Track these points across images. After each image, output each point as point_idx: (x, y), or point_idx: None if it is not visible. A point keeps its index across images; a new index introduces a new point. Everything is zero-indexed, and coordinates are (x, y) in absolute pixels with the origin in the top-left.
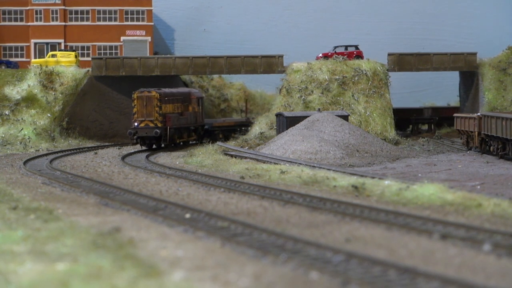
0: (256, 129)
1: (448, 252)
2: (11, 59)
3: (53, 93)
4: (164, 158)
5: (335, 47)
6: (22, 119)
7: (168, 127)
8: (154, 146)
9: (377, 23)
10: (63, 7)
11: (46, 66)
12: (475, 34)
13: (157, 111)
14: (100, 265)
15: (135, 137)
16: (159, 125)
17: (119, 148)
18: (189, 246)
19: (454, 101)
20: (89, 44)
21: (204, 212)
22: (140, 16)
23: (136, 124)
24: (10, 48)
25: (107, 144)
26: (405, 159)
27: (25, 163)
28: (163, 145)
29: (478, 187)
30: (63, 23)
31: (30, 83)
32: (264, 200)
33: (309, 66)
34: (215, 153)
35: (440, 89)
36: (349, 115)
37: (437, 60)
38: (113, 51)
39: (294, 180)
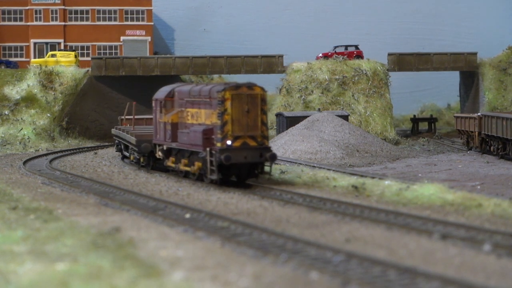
0: None
1: (448, 252)
2: (10, 59)
3: (53, 93)
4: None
5: (335, 47)
6: (21, 119)
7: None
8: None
9: (377, 23)
10: (62, 7)
11: (46, 66)
12: (475, 34)
13: (262, 121)
14: (100, 265)
15: (220, 162)
16: (265, 143)
17: None
18: (189, 246)
19: (454, 101)
20: (89, 44)
21: (204, 212)
22: (140, 16)
23: (228, 142)
24: (10, 48)
25: (107, 144)
26: (405, 159)
27: (24, 163)
28: (262, 175)
29: (478, 187)
30: (63, 23)
31: (29, 83)
32: (264, 200)
33: (309, 66)
34: None
35: (440, 89)
36: (349, 115)
37: (437, 60)
38: (113, 51)
39: (294, 180)
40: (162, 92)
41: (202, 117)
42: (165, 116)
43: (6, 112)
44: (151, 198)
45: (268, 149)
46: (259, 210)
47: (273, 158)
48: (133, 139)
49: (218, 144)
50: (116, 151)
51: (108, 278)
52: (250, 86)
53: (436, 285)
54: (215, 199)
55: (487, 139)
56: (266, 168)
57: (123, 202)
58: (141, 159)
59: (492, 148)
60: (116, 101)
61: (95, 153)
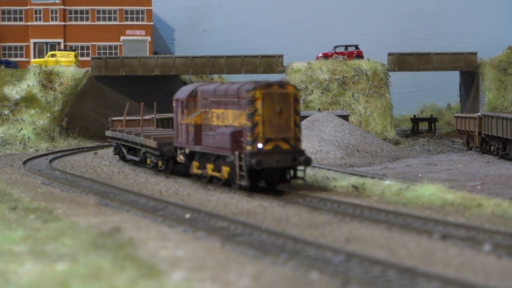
0: None
1: (448, 252)
2: (10, 59)
3: (53, 93)
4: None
5: (335, 47)
6: (21, 119)
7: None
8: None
9: (377, 23)
10: (62, 7)
11: (46, 66)
12: (476, 34)
13: (295, 122)
14: (100, 265)
15: (250, 167)
16: (298, 146)
17: None
18: (189, 246)
19: (455, 101)
20: (89, 44)
21: (204, 212)
22: (140, 16)
23: (259, 145)
24: (10, 48)
25: (106, 144)
26: (405, 159)
27: (24, 163)
28: (294, 180)
29: (479, 187)
30: (63, 23)
31: (29, 83)
32: (264, 200)
33: (309, 66)
34: None
35: (440, 89)
36: (349, 115)
37: (437, 60)
38: (113, 51)
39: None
40: (183, 92)
41: (229, 118)
42: (188, 117)
43: (6, 112)
44: (151, 198)
45: (302, 152)
46: (259, 210)
47: (308, 162)
48: (152, 142)
49: (248, 148)
50: (114, 154)
51: (108, 278)
52: (282, 84)
53: (436, 285)
54: (215, 199)
55: (487, 139)
56: (299, 173)
57: (123, 202)
58: (160, 163)
59: (492, 148)
60: (116, 101)
61: (95, 153)
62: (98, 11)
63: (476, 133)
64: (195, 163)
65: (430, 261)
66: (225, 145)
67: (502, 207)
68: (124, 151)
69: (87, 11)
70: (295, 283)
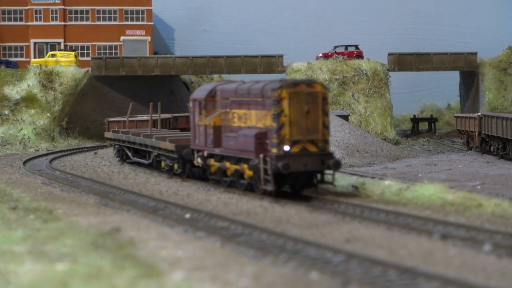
0: None
1: (448, 252)
2: (10, 59)
3: (53, 93)
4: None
5: (335, 47)
6: (21, 119)
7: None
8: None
9: (377, 23)
10: (62, 7)
11: (46, 66)
12: (475, 34)
13: (324, 123)
14: (100, 265)
15: (276, 170)
16: (327, 149)
17: None
18: (189, 246)
19: (455, 101)
20: (89, 44)
21: (204, 212)
22: (140, 16)
23: (286, 148)
24: (10, 48)
25: (106, 144)
26: (405, 159)
27: (24, 163)
28: (322, 185)
29: (479, 187)
30: (63, 23)
31: (29, 83)
32: (264, 200)
33: (309, 66)
34: None
35: (440, 89)
36: (349, 115)
37: (437, 60)
38: (113, 51)
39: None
40: (201, 91)
41: (252, 119)
42: (206, 118)
43: (6, 112)
44: (151, 198)
45: (331, 155)
46: (259, 210)
47: (338, 165)
48: (169, 145)
49: (274, 150)
50: (116, 156)
51: (108, 278)
52: (310, 83)
53: (436, 285)
54: (215, 199)
55: (487, 139)
56: (327, 177)
57: (123, 202)
58: (175, 167)
59: (492, 148)
60: (116, 101)
61: (95, 153)
62: (98, 11)
63: (476, 133)
64: (213, 166)
65: (430, 261)
66: (248, 148)
67: (502, 207)
68: (129, 153)
69: (87, 11)
70: (295, 283)
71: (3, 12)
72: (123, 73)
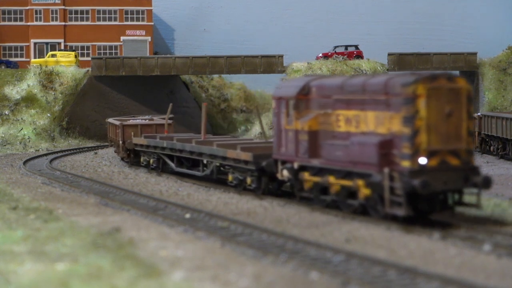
0: (256, 129)
1: (448, 252)
2: (11, 59)
3: (53, 93)
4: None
5: (335, 47)
6: (22, 119)
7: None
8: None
9: (377, 23)
10: (62, 7)
11: (46, 66)
12: (475, 34)
13: (468, 128)
14: (100, 265)
15: (410, 189)
16: (471, 162)
17: None
18: (189, 246)
19: None
20: (89, 44)
21: (204, 212)
22: (140, 16)
23: (422, 160)
24: (10, 48)
25: (107, 144)
26: None
27: (25, 163)
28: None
29: None
30: (63, 23)
31: (29, 83)
32: (264, 200)
33: (309, 66)
34: None
35: None
36: None
37: (437, 60)
38: (113, 51)
39: None
40: (289, 88)
41: (368, 123)
42: (297, 121)
43: (6, 112)
44: (151, 198)
45: (476, 169)
46: (259, 210)
47: (487, 184)
48: (245, 155)
49: (405, 164)
50: (151, 168)
51: (108, 278)
52: (451, 77)
53: (436, 285)
54: (215, 199)
55: (487, 139)
56: (468, 197)
57: (123, 202)
58: (248, 181)
59: (492, 148)
60: (116, 101)
61: (95, 153)
62: (98, 11)
63: (476, 133)
64: (307, 182)
65: (430, 261)
66: (367, 160)
67: (501, 207)
68: (171, 163)
69: (87, 11)
70: (295, 283)
71: (3, 12)
72: (123, 73)
